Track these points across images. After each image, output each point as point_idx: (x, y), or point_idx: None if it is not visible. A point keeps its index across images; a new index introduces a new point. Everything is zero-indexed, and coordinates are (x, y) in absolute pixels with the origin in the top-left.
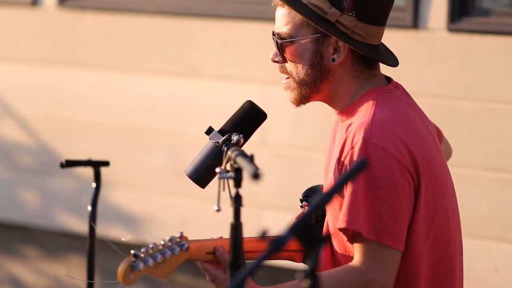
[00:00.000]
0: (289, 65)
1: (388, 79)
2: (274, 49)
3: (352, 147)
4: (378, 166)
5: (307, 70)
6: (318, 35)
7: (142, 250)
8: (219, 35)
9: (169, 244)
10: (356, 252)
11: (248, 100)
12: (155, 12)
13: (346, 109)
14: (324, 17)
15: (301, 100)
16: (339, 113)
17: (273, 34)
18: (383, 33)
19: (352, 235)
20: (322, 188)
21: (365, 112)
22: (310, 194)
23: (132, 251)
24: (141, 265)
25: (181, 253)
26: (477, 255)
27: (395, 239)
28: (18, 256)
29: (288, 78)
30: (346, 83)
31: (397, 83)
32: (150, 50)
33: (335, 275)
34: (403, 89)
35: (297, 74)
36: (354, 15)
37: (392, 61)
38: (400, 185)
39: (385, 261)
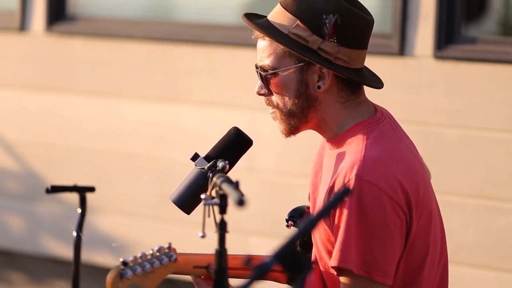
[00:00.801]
0: (275, 98)
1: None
2: (258, 82)
3: (344, 184)
4: (371, 203)
5: (293, 100)
6: (302, 64)
7: (131, 258)
8: (207, 61)
9: (158, 254)
10: (344, 285)
11: (234, 127)
12: (143, 38)
13: (335, 139)
14: (306, 45)
15: (291, 130)
16: (329, 141)
17: (256, 67)
18: (365, 56)
19: (341, 270)
20: (308, 209)
21: (356, 148)
22: (295, 214)
23: (121, 259)
24: (129, 273)
25: (169, 264)
26: (462, 283)
27: (385, 275)
28: (3, 281)
29: (274, 108)
30: (333, 110)
31: (382, 110)
32: (137, 76)
33: None
34: (389, 115)
35: (284, 105)
36: (335, 40)
37: (377, 83)
38: (392, 221)
39: None
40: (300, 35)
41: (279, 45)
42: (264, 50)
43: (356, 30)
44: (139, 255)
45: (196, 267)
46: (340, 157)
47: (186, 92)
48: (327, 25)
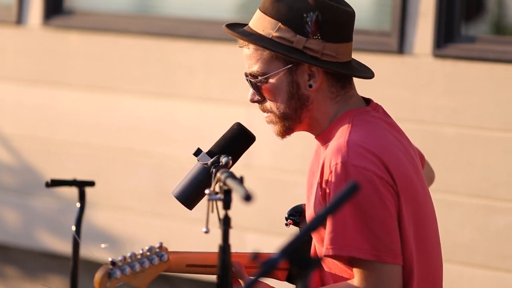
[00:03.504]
0: (268, 103)
1: (368, 101)
2: (250, 90)
3: (331, 171)
4: (363, 186)
5: (286, 103)
6: (290, 65)
7: (120, 258)
8: (204, 57)
9: (148, 254)
10: (357, 274)
11: (237, 122)
12: (140, 32)
13: (324, 133)
14: (291, 46)
15: (285, 132)
16: (318, 138)
17: (246, 75)
18: (351, 48)
19: (349, 260)
20: (305, 207)
21: (340, 134)
22: (295, 213)
23: (110, 259)
24: (118, 273)
25: (160, 263)
26: (459, 282)
27: (394, 254)
28: None
29: (268, 113)
30: (324, 107)
31: (376, 104)
32: (134, 71)
33: None
34: (383, 110)
35: (277, 109)
36: (319, 37)
37: (367, 73)
38: (387, 200)
39: (389, 279)
40: (284, 37)
41: (265, 50)
42: (250, 58)
43: (338, 24)
44: (128, 254)
45: (189, 265)
46: (327, 150)
47: (183, 87)
48: (309, 23)
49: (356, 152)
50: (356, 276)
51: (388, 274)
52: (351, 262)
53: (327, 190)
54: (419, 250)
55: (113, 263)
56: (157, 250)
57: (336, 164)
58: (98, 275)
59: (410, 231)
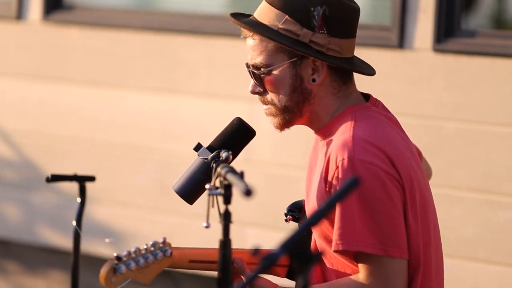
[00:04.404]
0: (270, 95)
1: (367, 97)
2: (252, 81)
3: (337, 167)
4: (370, 181)
5: (289, 96)
6: (295, 58)
7: (125, 253)
8: (206, 52)
9: (152, 249)
10: (363, 269)
11: (237, 117)
12: (141, 28)
13: (324, 128)
14: (297, 39)
15: (285, 125)
16: (318, 132)
17: (248, 66)
18: (355, 45)
19: (355, 255)
20: (304, 203)
21: (344, 130)
22: (294, 208)
23: (115, 254)
24: (123, 268)
25: (164, 258)
26: (462, 277)
27: (401, 249)
28: None
29: (269, 105)
30: (326, 102)
31: (376, 99)
32: (136, 66)
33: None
34: (383, 105)
35: (279, 102)
36: (325, 32)
37: (369, 70)
38: (394, 194)
39: (394, 273)
40: (290, 30)
41: (270, 42)
42: (254, 49)
43: (345, 19)
44: (133, 249)
45: (191, 261)
46: (329, 144)
47: (184, 83)
48: (316, 17)
49: (362, 147)
50: (361, 270)
51: (394, 268)
52: (357, 257)
53: (334, 185)
54: (423, 244)
55: (118, 258)
56: (161, 245)
57: (343, 159)
58: (103, 270)
59: (416, 225)
